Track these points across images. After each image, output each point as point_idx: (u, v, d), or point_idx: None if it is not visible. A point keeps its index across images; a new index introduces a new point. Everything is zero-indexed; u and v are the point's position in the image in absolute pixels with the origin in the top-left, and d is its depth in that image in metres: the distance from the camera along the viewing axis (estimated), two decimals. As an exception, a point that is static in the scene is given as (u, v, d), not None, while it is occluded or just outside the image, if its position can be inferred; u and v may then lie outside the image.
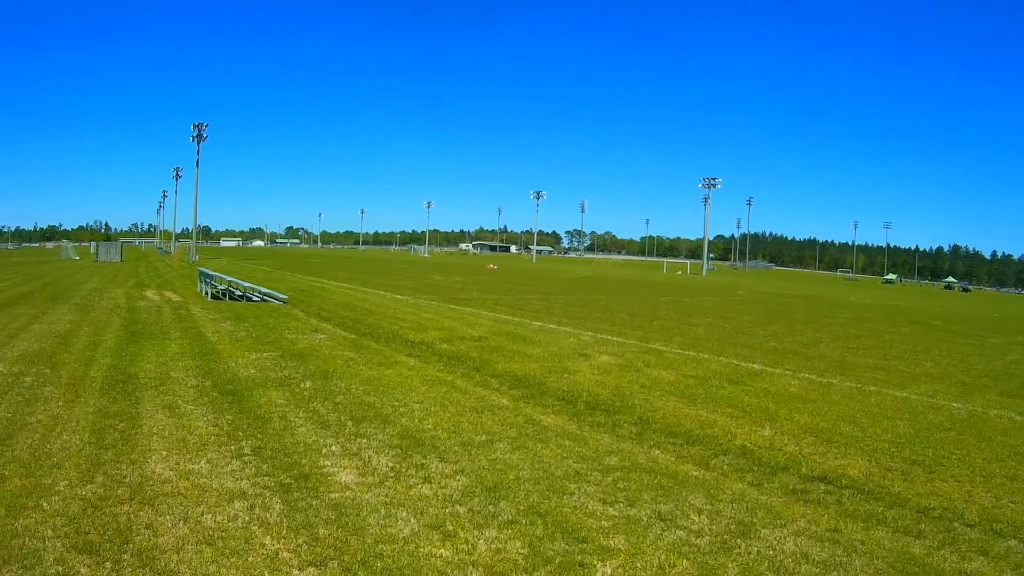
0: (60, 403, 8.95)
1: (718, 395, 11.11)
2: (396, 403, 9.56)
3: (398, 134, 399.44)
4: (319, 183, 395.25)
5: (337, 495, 6.07)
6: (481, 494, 6.19)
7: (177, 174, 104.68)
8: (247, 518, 5.58)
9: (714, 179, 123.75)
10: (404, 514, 5.70)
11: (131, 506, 5.82)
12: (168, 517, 5.58)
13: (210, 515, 5.64)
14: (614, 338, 17.55)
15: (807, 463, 7.79)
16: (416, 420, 8.69)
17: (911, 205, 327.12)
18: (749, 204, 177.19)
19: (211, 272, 27.83)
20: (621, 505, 6.11)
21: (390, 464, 6.94)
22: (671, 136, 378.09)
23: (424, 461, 7.06)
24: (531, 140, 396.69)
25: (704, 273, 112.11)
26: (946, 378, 14.42)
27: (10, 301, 21.27)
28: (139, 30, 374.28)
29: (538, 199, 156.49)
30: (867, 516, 6.32)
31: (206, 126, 74.65)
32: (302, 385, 10.44)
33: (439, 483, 6.45)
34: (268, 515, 5.64)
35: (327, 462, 6.94)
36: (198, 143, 74.30)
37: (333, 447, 7.44)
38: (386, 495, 6.10)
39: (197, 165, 74.80)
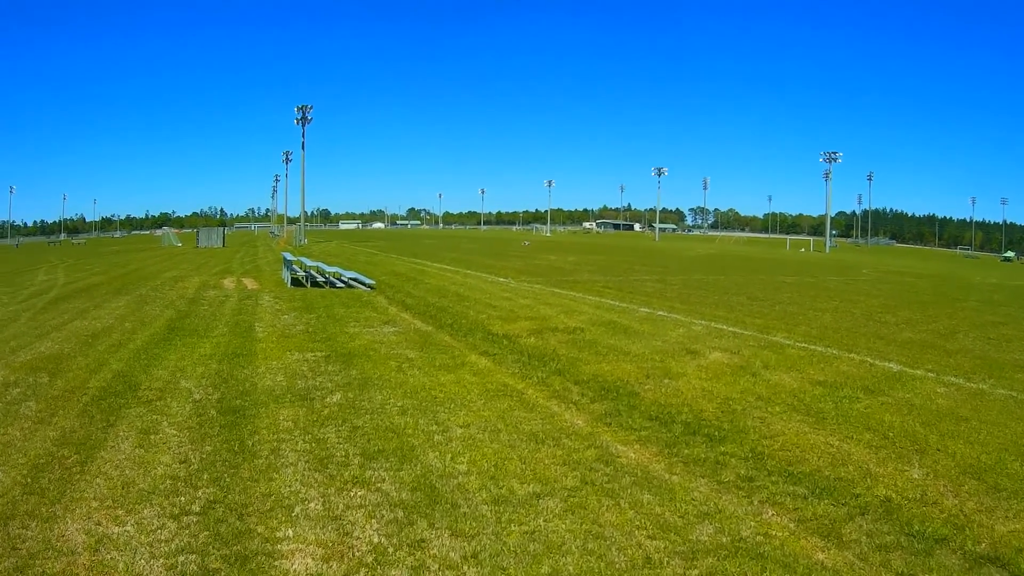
0: (28, 424, 7.69)
1: (851, 411, 8.68)
2: (434, 427, 7.67)
3: (519, 113, 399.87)
4: (441, 164, 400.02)
5: (270, 600, 4.21)
6: (487, 608, 4.17)
7: (287, 158, 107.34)
8: (120, 641, 3.83)
9: (835, 153, 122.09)
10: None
11: (1, 595, 4.25)
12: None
13: (81, 627, 3.95)
14: (730, 328, 15.14)
15: (972, 529, 5.45)
16: (448, 457, 6.74)
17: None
18: (870, 179, 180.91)
19: (291, 257, 26.99)
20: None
21: (376, 539, 5.02)
22: (791, 110, 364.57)
23: (428, 534, 5.10)
24: (652, 117, 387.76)
25: (827, 250, 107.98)
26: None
27: (72, 294, 20.87)
28: (257, 13, 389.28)
29: (659, 176, 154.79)
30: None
31: (310, 108, 76.43)
32: (327, 400, 8.73)
33: (431, 581, 4.47)
34: (151, 637, 3.86)
35: (289, 531, 5.10)
36: (303, 125, 76.00)
37: (313, 504, 5.60)
38: (340, 604, 4.19)
39: (303, 148, 76.54)
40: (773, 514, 5.67)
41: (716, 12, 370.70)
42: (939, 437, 7.73)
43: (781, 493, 6.07)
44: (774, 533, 5.31)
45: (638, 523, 5.38)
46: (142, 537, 5.03)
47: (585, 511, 5.56)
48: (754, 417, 8.29)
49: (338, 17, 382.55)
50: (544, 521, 5.35)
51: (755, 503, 5.87)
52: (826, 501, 5.91)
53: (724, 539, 5.17)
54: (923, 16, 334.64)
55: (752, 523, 5.47)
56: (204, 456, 6.68)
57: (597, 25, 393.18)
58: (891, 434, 7.79)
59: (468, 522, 5.29)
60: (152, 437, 7.24)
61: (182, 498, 5.69)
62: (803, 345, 13.32)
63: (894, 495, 6.08)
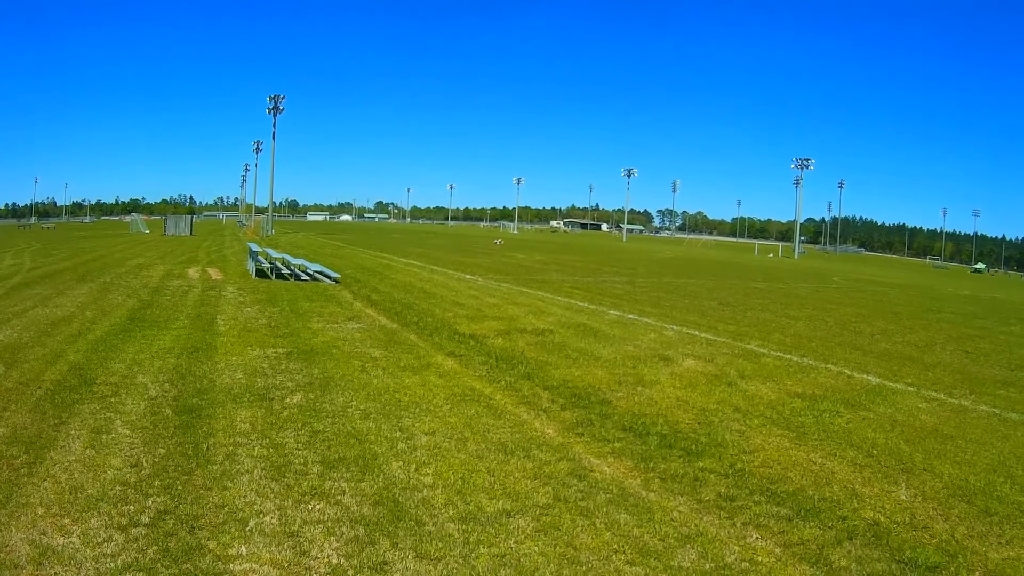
0: (-25, 420, 7.14)
1: (833, 426, 8.48)
2: (398, 433, 7.30)
3: (490, 109, 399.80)
4: (410, 158, 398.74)
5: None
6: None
7: (257, 147, 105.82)
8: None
9: (807, 160, 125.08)
10: None
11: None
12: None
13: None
14: (702, 334, 14.95)
15: (965, 556, 5.22)
16: (412, 467, 6.37)
17: (999, 193, 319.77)
18: (841, 187, 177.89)
19: (257, 248, 26.34)
20: None
21: (335, 559, 4.64)
22: (764, 116, 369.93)
23: (391, 555, 4.73)
24: (624, 118, 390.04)
25: (796, 256, 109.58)
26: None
27: (35, 280, 20.08)
28: (232, 3, 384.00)
29: (629, 177, 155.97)
30: None
31: (283, 98, 75.15)
32: (286, 400, 8.31)
33: (393, 612, 4.12)
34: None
35: (243, 549, 4.71)
36: (274, 115, 74.68)
37: (268, 517, 5.21)
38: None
39: (273, 138, 75.14)
40: (757, 538, 5.38)
41: (692, 16, 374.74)
42: (925, 456, 7.54)
43: (764, 514, 5.78)
44: (760, 559, 5.01)
45: (615, 546, 5.05)
46: (88, 550, 4.62)
47: (559, 532, 5.22)
48: (732, 430, 8.04)
49: (312, 10, 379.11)
50: (515, 543, 5.00)
51: (738, 525, 5.58)
52: (812, 524, 5.64)
53: (708, 566, 4.87)
54: (900, 26, 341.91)
55: (736, 548, 5.17)
56: (156, 460, 6.25)
57: (572, 25, 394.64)
58: (875, 452, 7.58)
59: (434, 542, 4.93)
60: (104, 437, 6.78)
61: (131, 507, 5.27)
62: (778, 354, 13.15)
63: (882, 518, 5.84)
